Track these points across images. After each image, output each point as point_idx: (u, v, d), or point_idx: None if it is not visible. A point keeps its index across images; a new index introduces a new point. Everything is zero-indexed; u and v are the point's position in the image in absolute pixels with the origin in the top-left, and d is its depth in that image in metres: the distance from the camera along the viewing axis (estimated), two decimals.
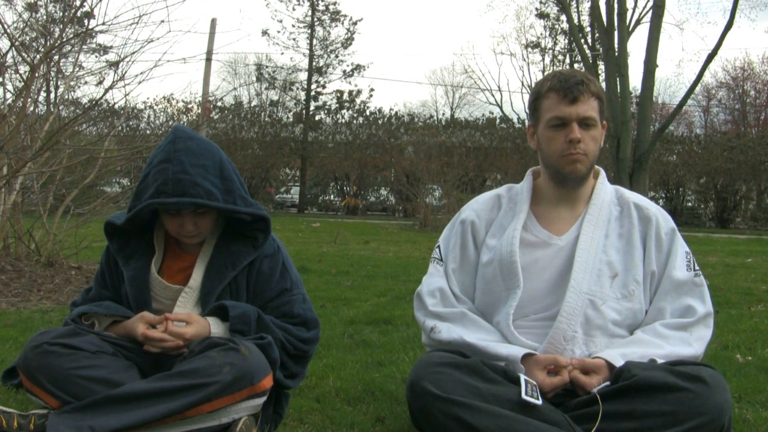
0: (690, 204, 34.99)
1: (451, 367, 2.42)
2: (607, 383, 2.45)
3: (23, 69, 8.02)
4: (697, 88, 28.97)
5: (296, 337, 2.89)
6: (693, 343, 2.65)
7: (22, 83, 7.62)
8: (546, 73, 2.78)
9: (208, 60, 24.94)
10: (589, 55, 30.04)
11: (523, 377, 2.43)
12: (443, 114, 51.09)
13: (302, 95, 43.70)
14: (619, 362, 2.49)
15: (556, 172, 2.79)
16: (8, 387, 3.04)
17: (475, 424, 2.27)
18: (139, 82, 8.37)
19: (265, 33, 43.49)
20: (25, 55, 7.92)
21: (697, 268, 2.80)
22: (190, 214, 2.81)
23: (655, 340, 2.63)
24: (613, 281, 2.71)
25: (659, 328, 2.67)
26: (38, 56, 7.87)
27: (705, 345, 2.70)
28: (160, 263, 2.97)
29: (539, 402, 2.36)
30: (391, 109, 42.65)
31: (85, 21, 8.88)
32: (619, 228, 2.82)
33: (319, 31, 44.09)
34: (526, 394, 2.36)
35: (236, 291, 2.90)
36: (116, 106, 10.63)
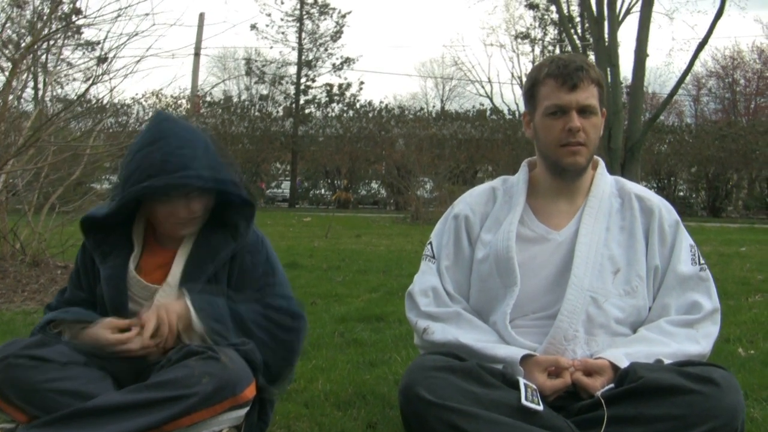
0: (682, 193, 35.01)
1: (446, 371, 2.28)
2: (612, 386, 2.32)
3: (6, 65, 7.89)
4: (687, 78, 28.91)
5: (277, 322, 2.72)
6: (700, 341, 2.52)
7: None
8: (543, 58, 2.66)
9: (197, 55, 24.80)
10: (580, 45, 29.93)
11: (522, 381, 2.30)
12: (433, 106, 50.89)
13: (292, 89, 43.55)
14: (623, 363, 2.36)
15: (553, 163, 2.66)
16: None
17: None
18: (124, 76, 8.24)
19: (253, 27, 43.27)
20: (6, 51, 7.77)
21: (702, 261, 2.67)
22: (181, 199, 2.62)
23: (661, 338, 2.50)
24: (616, 277, 2.58)
25: (664, 326, 2.54)
26: (21, 51, 7.74)
27: (712, 342, 2.57)
28: (138, 260, 2.78)
29: (540, 407, 2.22)
30: (381, 102, 42.28)
31: (73, 17, 8.73)
32: (621, 221, 2.68)
33: (308, 25, 43.95)
34: (526, 399, 2.22)
35: (216, 287, 2.75)
36: (103, 101, 10.49)
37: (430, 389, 2.23)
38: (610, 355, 2.41)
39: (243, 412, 2.43)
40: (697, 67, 41.71)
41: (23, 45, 8.56)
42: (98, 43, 9.84)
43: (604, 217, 2.65)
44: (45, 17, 8.93)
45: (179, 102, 32.16)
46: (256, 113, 38.78)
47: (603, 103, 2.63)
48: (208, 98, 35.01)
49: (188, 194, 2.62)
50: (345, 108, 42.10)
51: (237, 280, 2.77)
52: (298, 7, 43.58)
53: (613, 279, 2.56)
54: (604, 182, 2.72)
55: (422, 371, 2.30)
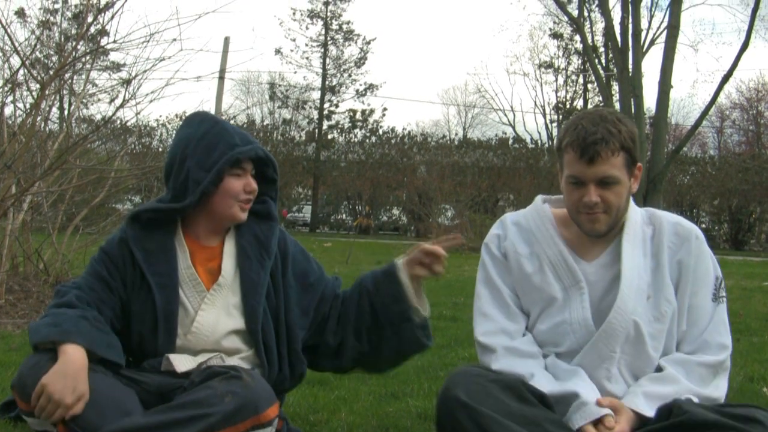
0: (704, 225, 34.81)
1: (486, 380, 2.33)
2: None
3: (35, 87, 7.94)
4: (711, 109, 28.78)
5: None
6: (719, 385, 2.52)
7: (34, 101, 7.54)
8: (573, 117, 2.57)
9: (221, 78, 24.95)
10: (603, 75, 29.89)
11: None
12: (456, 134, 50.86)
13: (315, 114, 43.75)
14: (648, 413, 2.35)
15: (576, 223, 2.64)
16: (5, 420, 2.89)
17: None
18: (151, 101, 8.26)
19: (278, 52, 43.62)
20: (35, 73, 7.83)
21: (723, 294, 2.66)
22: (247, 174, 2.69)
23: (681, 378, 2.48)
24: (648, 302, 2.56)
25: (686, 364, 2.51)
26: (50, 73, 7.80)
27: (726, 384, 2.57)
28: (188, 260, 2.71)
29: None
30: (403, 129, 42.55)
31: (99, 39, 8.79)
32: (652, 247, 2.64)
33: (333, 50, 44.24)
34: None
35: (281, 287, 2.78)
36: (128, 124, 10.55)
37: (467, 392, 2.26)
38: (633, 404, 2.39)
39: None
40: (721, 98, 41.50)
41: (51, 67, 8.64)
42: (124, 64, 9.93)
43: (640, 243, 2.62)
44: (72, 39, 9.00)
45: None
46: (279, 137, 38.99)
47: (636, 160, 2.54)
48: (232, 122, 35.20)
49: (247, 170, 2.69)
50: (367, 134, 42.28)
51: (298, 266, 2.88)
52: (323, 32, 43.86)
53: (645, 304, 2.55)
54: (635, 213, 2.68)
55: (465, 376, 2.34)
